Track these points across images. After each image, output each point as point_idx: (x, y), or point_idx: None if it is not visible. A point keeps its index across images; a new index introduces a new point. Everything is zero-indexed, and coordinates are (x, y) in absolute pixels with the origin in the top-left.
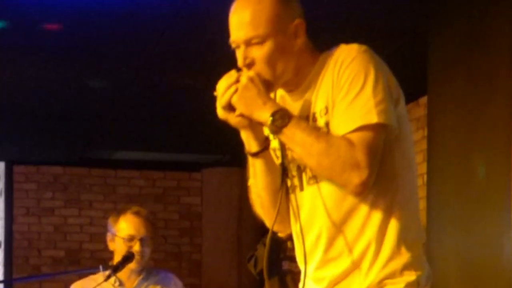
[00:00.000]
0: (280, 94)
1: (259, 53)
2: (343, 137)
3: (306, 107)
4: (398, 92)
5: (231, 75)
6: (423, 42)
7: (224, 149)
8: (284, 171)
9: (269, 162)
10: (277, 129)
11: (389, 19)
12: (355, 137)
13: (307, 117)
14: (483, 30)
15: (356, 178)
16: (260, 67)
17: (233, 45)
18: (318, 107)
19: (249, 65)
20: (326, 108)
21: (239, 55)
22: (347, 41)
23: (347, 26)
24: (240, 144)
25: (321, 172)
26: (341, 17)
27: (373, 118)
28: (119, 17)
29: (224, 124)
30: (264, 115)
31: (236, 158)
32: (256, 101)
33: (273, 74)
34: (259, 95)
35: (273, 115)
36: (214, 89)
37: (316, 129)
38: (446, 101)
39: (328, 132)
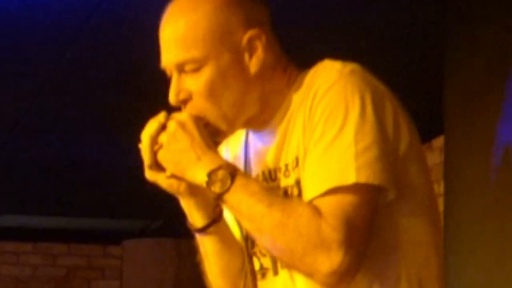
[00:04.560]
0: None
1: (196, 83)
2: (309, 205)
3: (277, 156)
4: (400, 128)
5: (159, 119)
6: (438, 60)
7: (152, 213)
8: (248, 247)
9: (224, 238)
10: (217, 196)
11: (394, 27)
12: (324, 204)
13: (278, 170)
14: None
15: (325, 264)
16: (199, 103)
17: (167, 72)
18: (290, 157)
19: (185, 102)
20: (297, 159)
21: (172, 86)
22: (354, 55)
23: (353, 40)
24: (175, 205)
25: (278, 255)
26: (352, 33)
27: (350, 177)
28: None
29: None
30: (199, 175)
31: (169, 224)
32: (187, 156)
33: (219, 113)
34: (193, 147)
35: (209, 175)
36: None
37: (272, 192)
38: (470, 143)
39: (295, 196)
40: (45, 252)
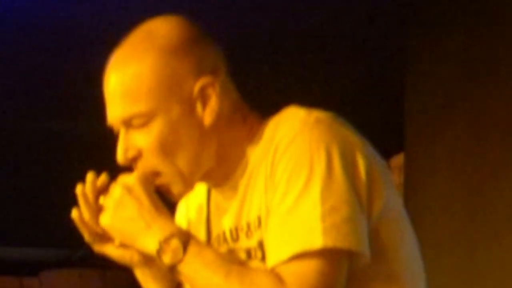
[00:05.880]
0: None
1: (145, 139)
2: (269, 274)
3: (238, 214)
4: (374, 184)
5: (100, 180)
6: (398, 71)
7: (74, 241)
8: None
9: None
10: (169, 267)
11: (353, 41)
12: (288, 272)
13: (240, 229)
14: (490, 51)
15: None
16: (150, 161)
17: (114, 129)
18: (252, 216)
19: (134, 160)
20: (259, 219)
21: (119, 144)
22: (311, 70)
23: (310, 54)
24: None
25: None
26: (308, 46)
27: (316, 241)
28: None
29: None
30: (149, 245)
31: (94, 254)
32: (136, 224)
33: (173, 170)
34: (141, 214)
35: (160, 244)
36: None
37: (229, 261)
38: (432, 162)
39: (258, 262)
40: None
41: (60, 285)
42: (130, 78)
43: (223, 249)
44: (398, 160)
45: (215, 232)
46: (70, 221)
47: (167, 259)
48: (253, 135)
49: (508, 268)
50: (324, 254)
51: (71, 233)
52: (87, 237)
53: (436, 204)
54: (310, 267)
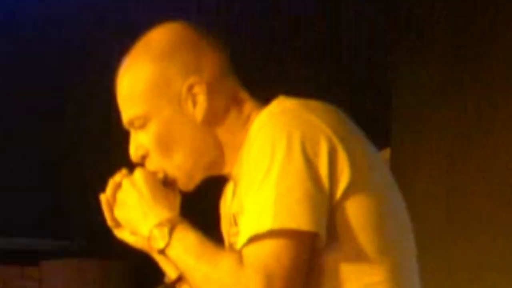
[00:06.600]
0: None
1: (146, 139)
2: (234, 256)
3: (237, 200)
4: (337, 167)
5: (115, 178)
6: (384, 69)
7: (73, 231)
8: None
9: None
10: (159, 252)
11: (340, 37)
12: (246, 254)
13: (237, 215)
14: (475, 50)
15: None
16: (154, 158)
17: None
18: (241, 202)
19: (144, 158)
20: (241, 205)
21: (130, 144)
22: (299, 66)
23: (297, 49)
24: (99, 223)
25: None
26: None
27: (266, 223)
28: None
29: (76, 195)
30: (144, 231)
31: (92, 244)
32: (136, 213)
33: (173, 165)
34: (141, 204)
35: (151, 231)
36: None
37: (206, 244)
38: (419, 156)
39: (231, 246)
40: None
41: (59, 274)
42: (128, 85)
43: (233, 232)
44: (385, 154)
45: (232, 217)
46: (70, 213)
47: (155, 244)
48: (250, 124)
49: (491, 260)
50: (275, 235)
51: (71, 224)
52: (109, 222)
53: (420, 197)
54: (263, 248)
